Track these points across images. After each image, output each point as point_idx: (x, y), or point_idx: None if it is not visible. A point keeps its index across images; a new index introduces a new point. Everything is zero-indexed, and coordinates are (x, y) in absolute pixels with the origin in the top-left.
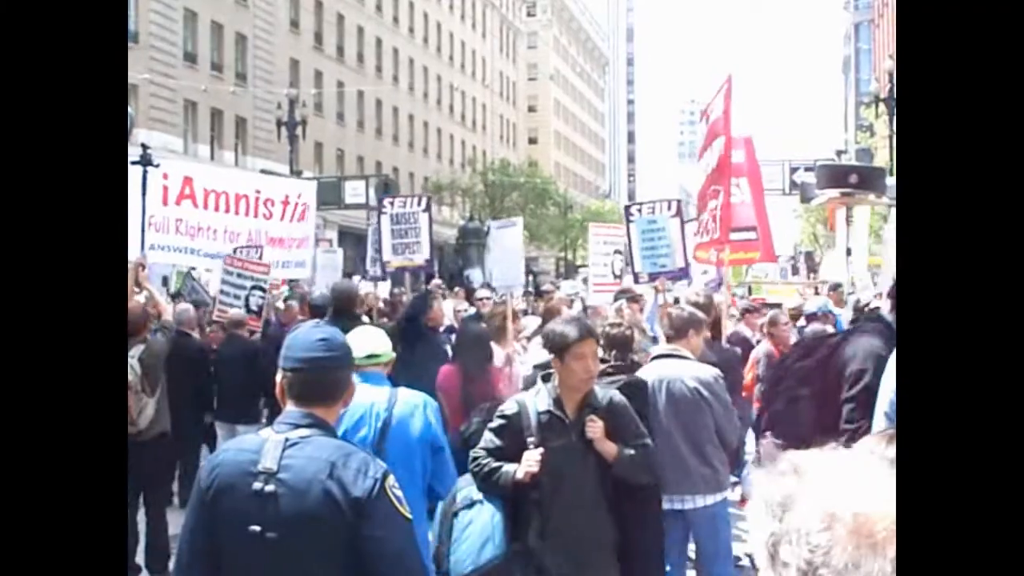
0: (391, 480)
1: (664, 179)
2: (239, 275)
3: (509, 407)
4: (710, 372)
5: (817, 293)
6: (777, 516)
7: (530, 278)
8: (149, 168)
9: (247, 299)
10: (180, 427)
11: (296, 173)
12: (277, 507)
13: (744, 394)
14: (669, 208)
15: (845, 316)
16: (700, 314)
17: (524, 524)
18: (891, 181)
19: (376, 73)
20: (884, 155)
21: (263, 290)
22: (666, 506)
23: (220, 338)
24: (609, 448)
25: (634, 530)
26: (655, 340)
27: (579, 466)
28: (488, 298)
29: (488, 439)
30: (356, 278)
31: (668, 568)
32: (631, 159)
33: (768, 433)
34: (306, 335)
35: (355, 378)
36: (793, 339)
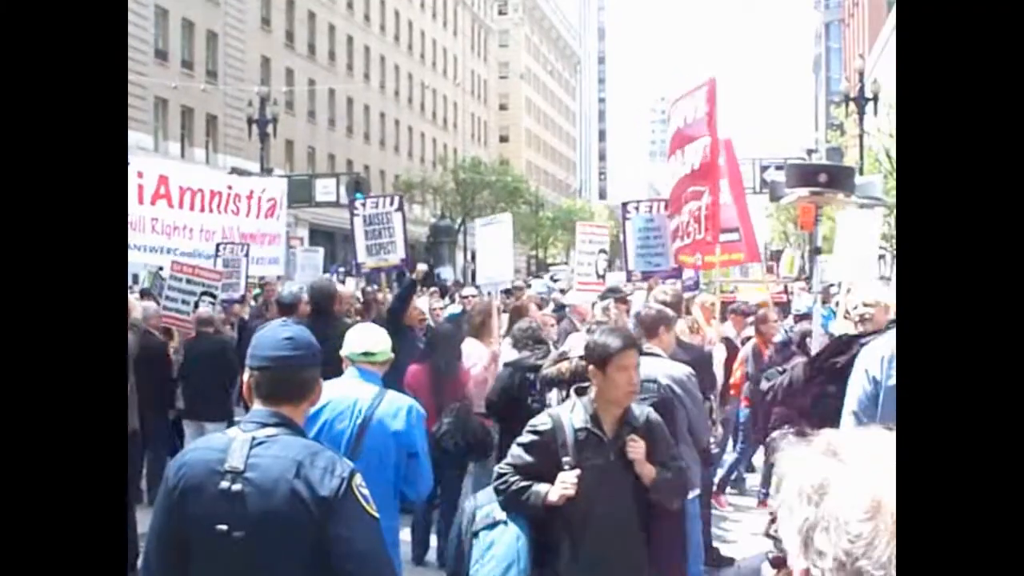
0: (358, 479)
1: (635, 177)
2: (188, 281)
3: (542, 422)
4: (683, 370)
5: (786, 291)
6: (813, 501)
7: None
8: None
9: (196, 304)
10: (147, 425)
11: (267, 171)
12: (244, 506)
13: (732, 392)
14: (666, 208)
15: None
16: (669, 311)
17: (552, 548)
18: (860, 180)
19: (347, 71)
20: (854, 154)
21: (213, 296)
22: None
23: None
24: (648, 470)
25: (661, 557)
26: None
27: (616, 487)
28: (473, 296)
29: (516, 455)
30: (331, 276)
31: None
32: (602, 157)
33: (785, 426)
34: (272, 334)
35: (350, 372)
36: (779, 337)
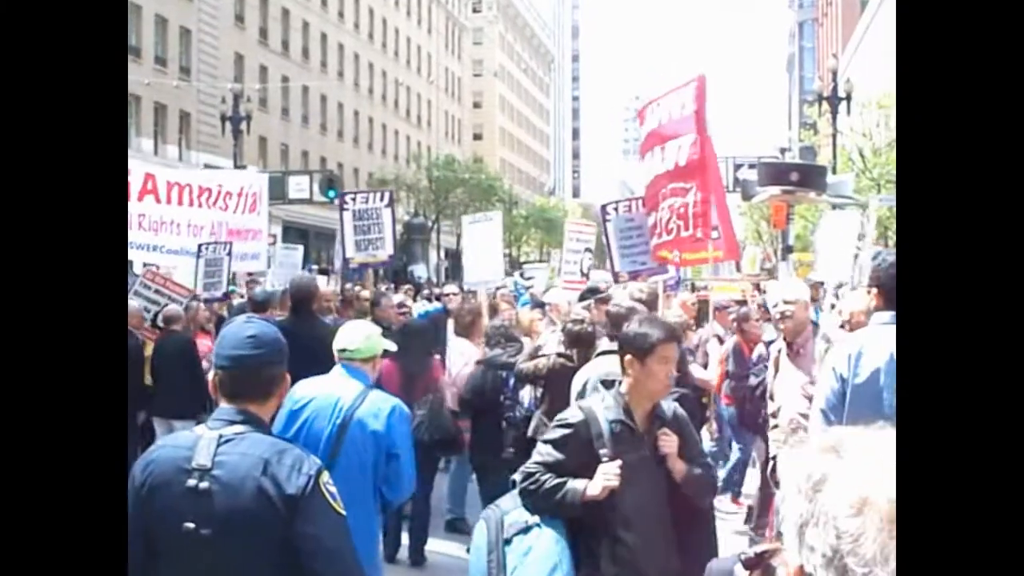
0: (325, 476)
1: (609, 176)
2: (157, 291)
3: (573, 415)
4: None
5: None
6: (808, 497)
7: None
8: None
9: (156, 315)
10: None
11: (240, 168)
12: (211, 504)
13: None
14: (644, 205)
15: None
16: (639, 307)
17: (590, 547)
18: (832, 179)
19: (321, 68)
20: (827, 153)
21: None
22: None
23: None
24: (680, 466)
25: (693, 558)
26: None
27: (649, 483)
28: (456, 294)
29: (546, 452)
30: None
31: None
32: (576, 155)
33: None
34: (236, 332)
35: (336, 369)
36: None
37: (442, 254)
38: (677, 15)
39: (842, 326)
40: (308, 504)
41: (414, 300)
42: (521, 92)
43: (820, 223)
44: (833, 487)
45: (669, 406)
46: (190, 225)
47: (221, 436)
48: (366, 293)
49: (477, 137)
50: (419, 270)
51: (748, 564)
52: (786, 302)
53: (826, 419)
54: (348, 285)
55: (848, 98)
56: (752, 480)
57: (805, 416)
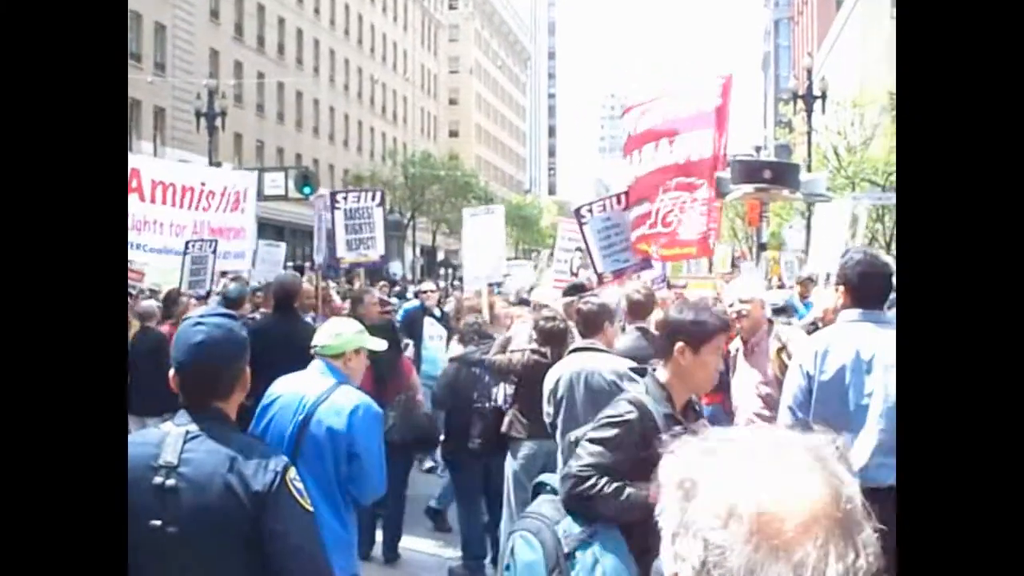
0: (292, 473)
1: (585, 173)
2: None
3: (627, 410)
4: (627, 365)
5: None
6: (681, 505)
7: (450, 271)
8: None
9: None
10: None
11: (215, 164)
12: (178, 501)
13: None
14: (619, 202)
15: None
16: (611, 305)
17: (647, 555)
18: (804, 177)
19: (297, 65)
20: (802, 151)
21: (131, 296)
22: None
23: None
24: None
25: None
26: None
27: None
28: (432, 291)
29: (598, 453)
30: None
31: None
32: (552, 153)
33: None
34: (186, 336)
35: (313, 365)
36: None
37: (417, 251)
38: (654, 13)
39: (814, 323)
40: (275, 501)
41: (388, 297)
42: (497, 89)
43: (813, 217)
44: (702, 495)
45: (693, 399)
46: (173, 224)
47: (188, 433)
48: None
49: (453, 134)
50: (395, 267)
51: None
52: (742, 301)
53: (793, 416)
54: (323, 284)
55: (823, 96)
56: None
57: (759, 416)
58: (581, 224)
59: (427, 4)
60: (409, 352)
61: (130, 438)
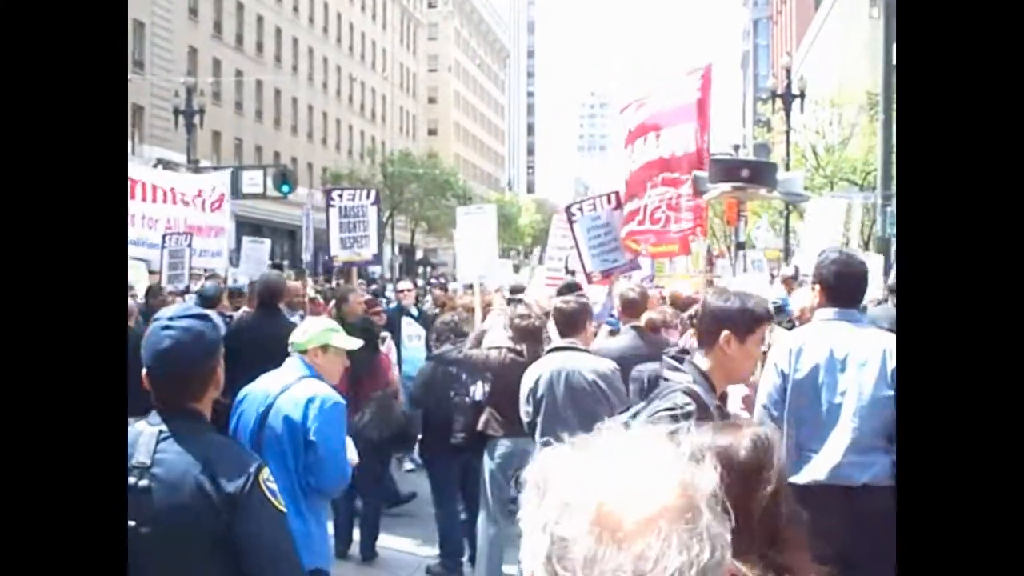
0: (265, 474)
1: (564, 171)
2: None
3: (684, 402)
4: (607, 365)
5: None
6: (535, 502)
7: (428, 269)
8: None
9: None
10: None
11: (193, 162)
12: (150, 502)
13: None
14: (609, 202)
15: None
16: (590, 304)
17: None
18: (782, 176)
19: (275, 62)
20: (781, 150)
21: None
22: None
23: None
24: None
25: None
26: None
27: None
28: (409, 289)
29: None
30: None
31: None
32: (531, 151)
33: None
34: (157, 338)
35: (288, 360)
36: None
37: (396, 250)
38: (633, 12)
39: (791, 322)
40: (247, 501)
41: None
42: (476, 87)
43: (805, 216)
44: (551, 491)
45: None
46: (144, 217)
47: (161, 432)
48: (310, 290)
49: (432, 132)
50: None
51: None
52: None
53: (768, 414)
54: (297, 283)
55: (802, 95)
56: None
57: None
58: (571, 223)
59: (406, 2)
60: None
61: None
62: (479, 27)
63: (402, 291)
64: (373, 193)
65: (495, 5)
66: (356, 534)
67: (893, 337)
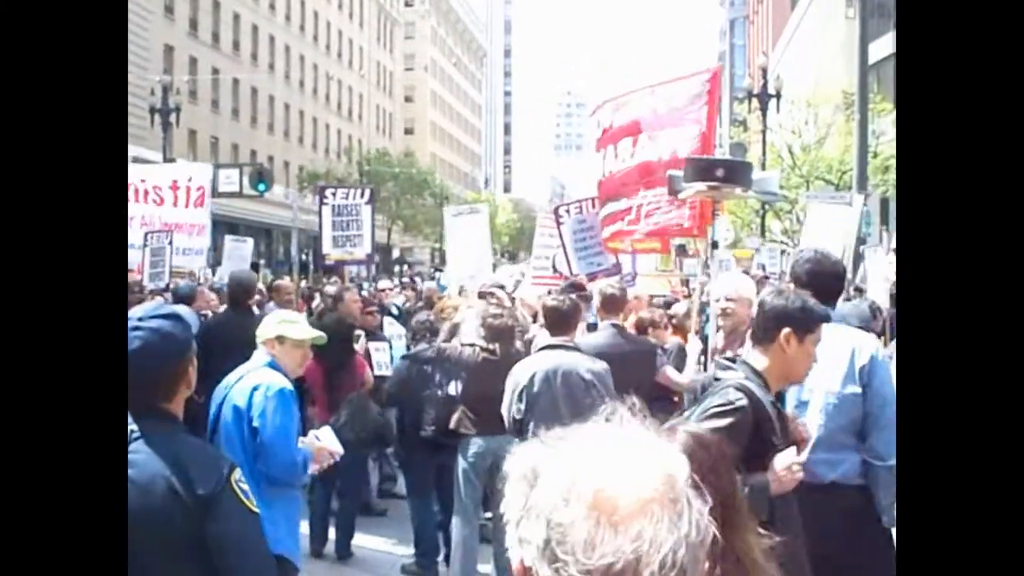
0: (237, 474)
1: (540, 171)
2: None
3: (735, 397)
4: (601, 365)
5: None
6: (524, 493)
7: (404, 268)
8: None
9: None
10: None
11: (169, 161)
12: None
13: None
14: (594, 205)
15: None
16: (580, 302)
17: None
18: (757, 175)
19: (252, 61)
20: (757, 149)
21: None
22: None
23: None
24: (803, 456)
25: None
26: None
27: None
28: (390, 289)
29: None
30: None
31: None
32: (507, 151)
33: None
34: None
35: (256, 352)
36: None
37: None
38: (609, 11)
39: None
40: (219, 503)
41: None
42: (453, 87)
43: (807, 217)
44: (543, 480)
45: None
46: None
47: (132, 433)
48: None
49: (408, 131)
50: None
51: None
52: (728, 299)
53: None
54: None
55: (778, 95)
56: None
57: None
58: (559, 223)
59: (383, 1)
60: (385, 354)
61: None
62: (456, 26)
63: (383, 290)
64: (368, 192)
65: (472, 4)
66: (332, 533)
67: (861, 334)
